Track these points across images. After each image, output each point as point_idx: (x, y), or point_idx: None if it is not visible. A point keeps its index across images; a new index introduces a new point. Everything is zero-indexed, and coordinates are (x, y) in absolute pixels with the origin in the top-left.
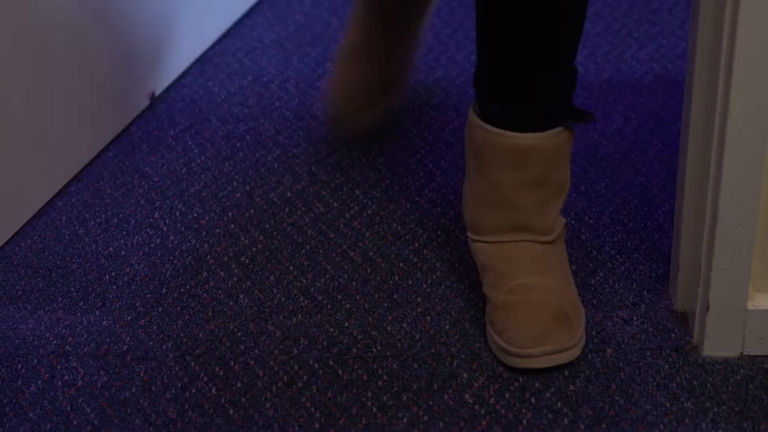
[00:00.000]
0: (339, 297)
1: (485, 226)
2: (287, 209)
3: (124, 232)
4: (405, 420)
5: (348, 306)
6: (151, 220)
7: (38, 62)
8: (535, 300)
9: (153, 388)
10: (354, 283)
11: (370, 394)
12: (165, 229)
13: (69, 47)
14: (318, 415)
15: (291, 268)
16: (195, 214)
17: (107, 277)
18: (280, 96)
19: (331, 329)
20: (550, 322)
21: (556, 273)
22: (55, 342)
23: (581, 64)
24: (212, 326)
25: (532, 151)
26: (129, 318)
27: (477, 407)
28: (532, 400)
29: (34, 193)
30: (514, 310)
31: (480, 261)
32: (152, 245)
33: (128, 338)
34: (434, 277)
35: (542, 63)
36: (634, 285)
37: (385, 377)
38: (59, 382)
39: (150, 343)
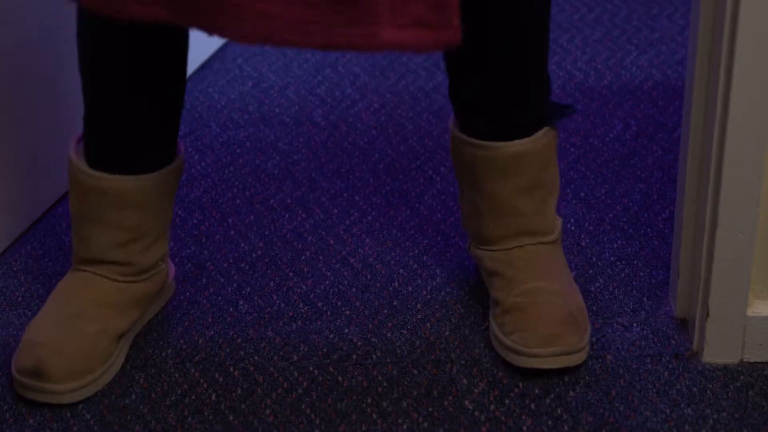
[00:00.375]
0: (339, 303)
1: (489, 237)
2: (287, 215)
3: None
4: (405, 426)
5: (348, 312)
6: None
7: (38, 67)
8: (546, 303)
9: (153, 395)
10: (354, 289)
11: (369, 400)
12: None
13: (65, 50)
14: (318, 422)
15: (291, 274)
16: (195, 221)
17: None
18: (280, 102)
19: (331, 336)
20: (560, 324)
21: (561, 276)
22: None
23: (581, 69)
24: (212, 332)
25: (524, 156)
26: None
27: (477, 413)
28: (532, 406)
29: (34, 200)
30: (524, 312)
31: (486, 266)
32: None
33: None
34: (434, 283)
35: (518, 74)
36: (634, 291)
37: (384, 383)
38: None
39: (149, 350)
